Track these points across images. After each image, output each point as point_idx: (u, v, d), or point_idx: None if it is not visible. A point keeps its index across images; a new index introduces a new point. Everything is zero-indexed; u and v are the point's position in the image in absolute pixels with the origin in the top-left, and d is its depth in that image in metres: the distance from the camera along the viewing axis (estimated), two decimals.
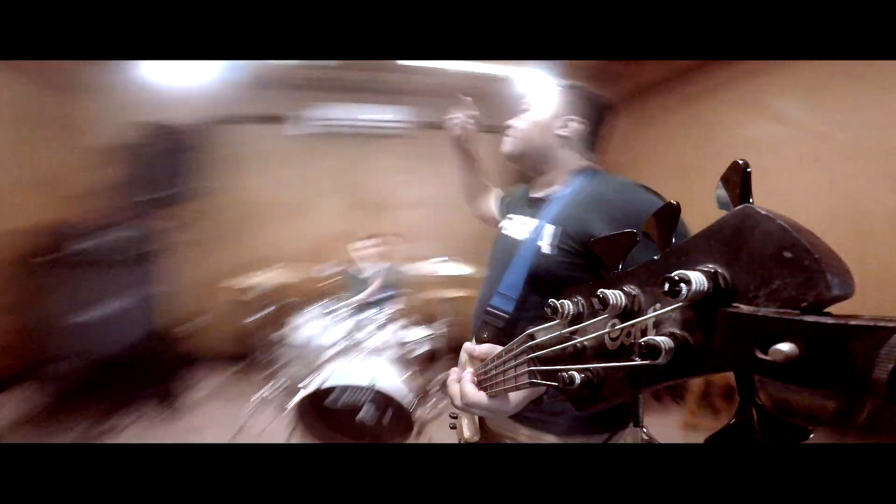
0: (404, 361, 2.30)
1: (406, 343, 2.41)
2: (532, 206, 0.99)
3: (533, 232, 0.90)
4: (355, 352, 2.16)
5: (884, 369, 0.16)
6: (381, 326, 2.37)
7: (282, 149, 3.86)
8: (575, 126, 0.96)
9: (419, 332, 2.53)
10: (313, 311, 2.53)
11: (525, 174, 1.07)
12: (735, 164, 0.24)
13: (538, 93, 1.01)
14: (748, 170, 0.24)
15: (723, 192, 0.25)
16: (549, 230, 0.87)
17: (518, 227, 0.99)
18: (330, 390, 1.89)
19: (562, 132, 0.96)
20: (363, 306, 2.57)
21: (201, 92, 3.36)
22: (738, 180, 0.24)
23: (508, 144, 1.02)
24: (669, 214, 0.29)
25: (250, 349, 3.14)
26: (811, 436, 0.22)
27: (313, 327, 2.40)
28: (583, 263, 0.82)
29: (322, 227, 3.85)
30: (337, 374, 1.94)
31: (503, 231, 1.04)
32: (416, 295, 3.09)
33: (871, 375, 0.16)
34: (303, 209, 3.91)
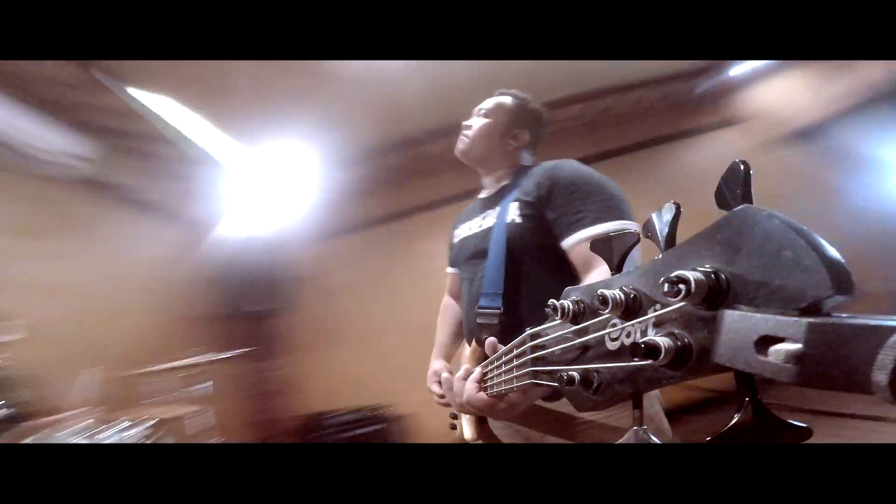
0: None
1: None
2: (489, 204, 1.07)
3: (499, 215, 0.97)
4: None
5: (884, 369, 0.16)
6: None
7: None
8: (523, 138, 1.10)
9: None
10: None
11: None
12: (735, 164, 0.24)
13: (494, 100, 1.12)
14: (749, 170, 0.24)
15: (723, 192, 0.25)
16: (513, 206, 0.95)
17: (480, 223, 1.06)
18: None
19: (512, 141, 1.09)
20: None
21: None
22: (738, 180, 0.24)
23: (464, 144, 1.11)
24: (670, 214, 0.29)
25: None
26: (811, 436, 0.22)
27: None
28: (544, 223, 0.91)
29: None
30: None
31: (466, 233, 1.10)
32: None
33: (870, 375, 0.16)
34: None
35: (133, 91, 2.29)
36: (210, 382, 2.47)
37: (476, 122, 1.10)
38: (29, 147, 2.21)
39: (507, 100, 1.12)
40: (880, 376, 0.16)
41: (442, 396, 1.09)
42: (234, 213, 3.36)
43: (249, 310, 3.35)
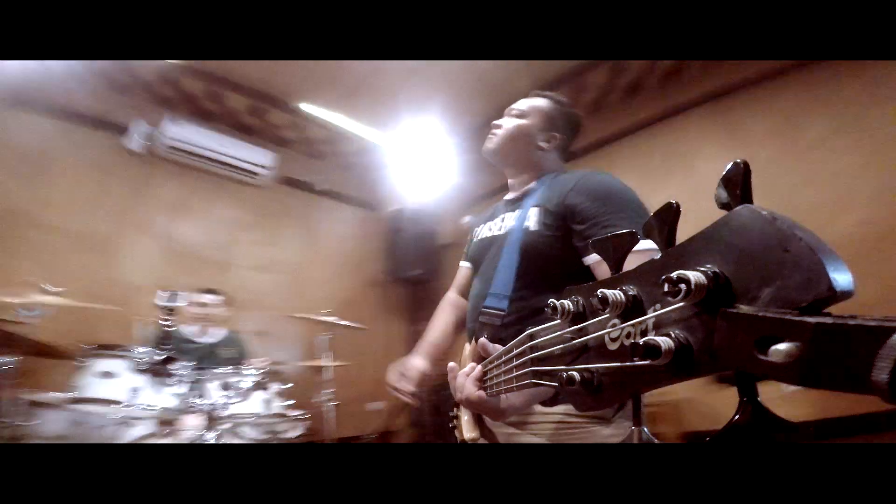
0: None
1: (277, 417, 2.02)
2: (511, 206, 1.05)
3: (519, 219, 0.96)
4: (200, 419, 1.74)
5: (883, 369, 0.16)
6: (244, 394, 1.97)
7: (97, 162, 2.96)
8: (555, 141, 1.06)
9: (288, 407, 2.12)
10: (130, 357, 1.84)
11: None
12: (735, 164, 0.24)
13: (529, 102, 1.08)
14: (749, 170, 0.24)
15: (723, 192, 0.25)
16: (533, 212, 0.93)
17: (500, 224, 1.04)
18: None
19: (543, 145, 1.06)
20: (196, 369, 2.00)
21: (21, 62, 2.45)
22: (738, 180, 0.24)
23: (492, 142, 1.08)
24: (669, 214, 0.29)
25: None
26: (811, 436, 0.22)
27: (131, 382, 1.79)
28: (564, 235, 0.88)
29: (121, 273, 2.90)
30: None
31: (485, 234, 1.08)
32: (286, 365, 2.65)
33: (870, 375, 0.16)
34: (98, 243, 2.89)
35: (303, 105, 3.28)
36: (330, 335, 2.81)
37: (507, 122, 1.07)
38: (238, 161, 3.33)
39: (543, 102, 1.08)
40: (880, 376, 0.16)
41: (397, 390, 1.10)
42: (393, 191, 3.99)
43: (405, 276, 3.88)
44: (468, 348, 1.00)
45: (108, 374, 1.79)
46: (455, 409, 0.98)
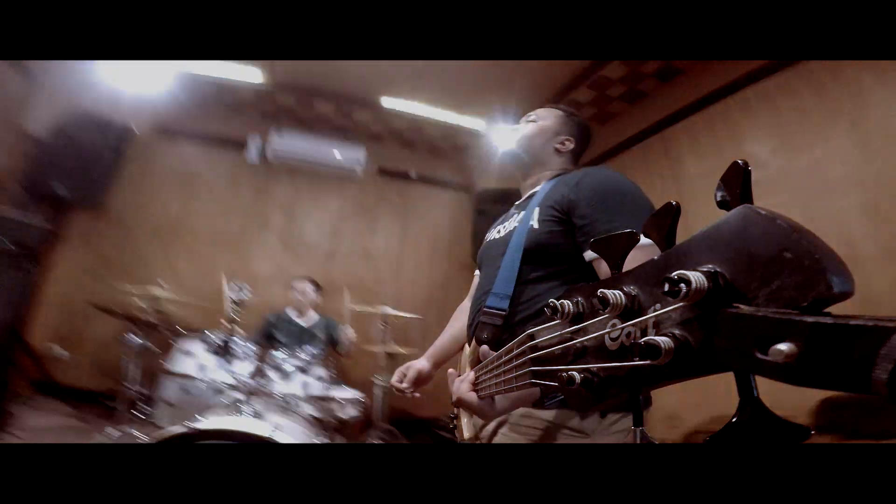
0: (319, 423, 1.98)
1: (326, 399, 2.07)
2: (518, 208, 1.07)
3: (523, 219, 0.97)
4: (253, 397, 1.80)
5: (884, 369, 0.16)
6: (286, 375, 2.05)
7: (226, 174, 3.79)
8: (569, 145, 1.11)
9: (345, 392, 2.16)
10: (204, 340, 2.08)
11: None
12: (735, 164, 0.24)
13: (545, 111, 1.15)
14: (748, 170, 0.24)
15: (723, 193, 0.25)
16: (536, 211, 0.94)
17: (506, 226, 1.06)
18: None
19: (558, 147, 1.11)
20: (271, 350, 2.16)
21: (155, 98, 3.33)
22: (737, 180, 0.24)
23: (510, 144, 1.12)
24: (669, 214, 0.29)
25: (113, 386, 2.54)
26: (811, 436, 0.22)
27: (202, 360, 2.13)
28: (567, 230, 0.89)
29: (251, 265, 3.68)
30: (224, 419, 1.60)
31: (492, 237, 1.10)
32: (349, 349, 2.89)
33: (871, 375, 0.16)
34: (232, 242, 3.73)
35: (384, 100, 3.56)
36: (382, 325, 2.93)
37: (524, 127, 1.13)
38: (335, 159, 3.75)
39: (556, 110, 1.15)
40: (881, 376, 0.16)
41: (394, 387, 1.17)
42: (483, 171, 4.03)
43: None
44: (468, 349, 1.00)
45: (189, 354, 2.21)
46: (455, 410, 0.98)
